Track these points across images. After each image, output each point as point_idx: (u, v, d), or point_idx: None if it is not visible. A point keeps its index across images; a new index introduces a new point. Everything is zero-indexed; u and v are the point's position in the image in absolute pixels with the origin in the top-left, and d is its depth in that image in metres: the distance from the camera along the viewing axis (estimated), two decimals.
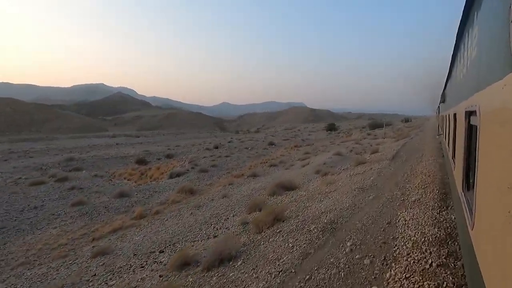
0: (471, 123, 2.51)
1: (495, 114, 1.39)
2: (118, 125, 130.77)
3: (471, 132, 2.59)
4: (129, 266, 6.38)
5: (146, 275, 5.68)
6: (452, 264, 3.48)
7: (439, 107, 18.09)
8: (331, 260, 4.29)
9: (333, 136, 57.07)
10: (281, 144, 41.98)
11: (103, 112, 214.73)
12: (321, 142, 45.35)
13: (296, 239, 5.52)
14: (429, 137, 24.63)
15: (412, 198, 6.28)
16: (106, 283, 5.77)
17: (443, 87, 9.55)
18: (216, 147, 37.10)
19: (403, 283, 3.28)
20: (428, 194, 6.43)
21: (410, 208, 5.66)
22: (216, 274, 4.97)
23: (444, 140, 9.76)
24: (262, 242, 5.93)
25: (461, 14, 2.79)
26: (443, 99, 10.51)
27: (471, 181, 2.61)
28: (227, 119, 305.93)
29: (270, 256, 5.13)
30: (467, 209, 2.33)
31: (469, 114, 2.54)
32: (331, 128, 74.25)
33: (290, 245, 5.36)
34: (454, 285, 3.09)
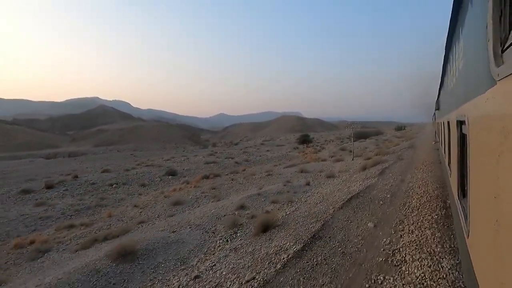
0: (462, 131, 2.50)
1: (481, 125, 1.45)
2: (77, 140, 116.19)
3: (463, 140, 2.57)
4: None
5: None
6: None
7: (434, 114, 18.46)
8: None
9: (298, 151, 42.37)
10: (198, 171, 27.25)
11: (80, 125, 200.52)
12: (267, 164, 30.65)
13: None
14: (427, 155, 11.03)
15: None
16: None
17: (437, 95, 9.75)
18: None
19: None
20: None
21: None
22: None
23: (440, 147, 9.75)
24: None
25: (448, 26, 3.00)
26: (437, 107, 10.61)
27: (465, 188, 2.52)
28: (214, 130, 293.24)
29: None
30: (463, 217, 2.37)
31: (460, 123, 2.59)
32: (304, 140, 59.72)
33: None
34: None
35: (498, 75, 1.08)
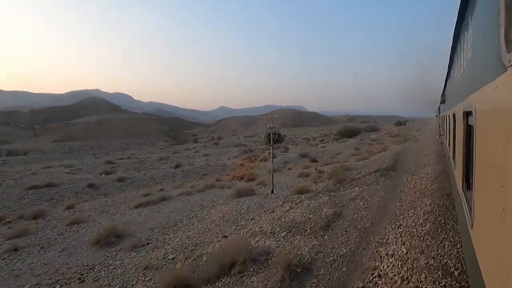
0: (469, 123, 2.46)
1: (489, 115, 1.43)
2: (39, 134, 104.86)
3: (469, 132, 2.54)
4: None
5: None
6: None
7: (439, 107, 17.70)
8: None
9: (244, 159, 30.05)
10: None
11: (65, 118, 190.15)
12: (152, 187, 18.55)
13: None
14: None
15: None
16: None
17: (443, 88, 9.61)
18: None
19: None
20: None
21: None
22: None
23: (445, 140, 9.64)
24: None
25: (456, 16, 2.93)
26: (443, 100, 10.28)
27: (470, 180, 2.52)
28: (206, 124, 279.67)
29: None
30: (467, 209, 2.37)
31: (467, 114, 2.54)
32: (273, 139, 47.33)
33: None
34: None
35: (509, 61, 1.06)
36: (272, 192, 12.42)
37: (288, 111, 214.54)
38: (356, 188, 9.36)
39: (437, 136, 18.26)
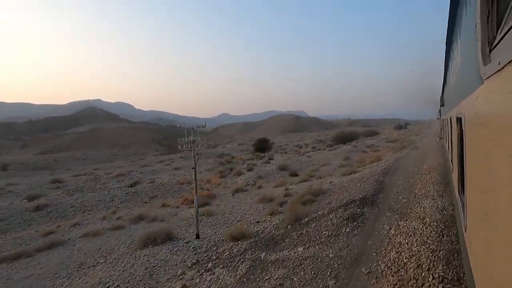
0: (462, 128, 2.51)
1: (473, 122, 1.50)
2: (27, 145, 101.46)
3: (462, 136, 2.55)
4: None
5: None
6: None
7: (440, 110, 17.74)
8: None
9: (214, 175, 26.07)
10: None
11: (61, 128, 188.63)
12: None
13: None
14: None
15: None
16: None
17: (441, 91, 9.81)
18: None
19: None
20: None
21: None
22: None
23: (445, 143, 9.84)
24: None
25: (447, 24, 3.05)
26: (442, 103, 10.61)
27: (464, 184, 2.50)
28: (205, 131, 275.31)
29: None
30: (462, 212, 2.37)
31: (460, 120, 2.62)
32: (261, 147, 43.36)
33: None
34: None
35: (485, 74, 1.10)
36: (197, 237, 8.47)
37: (287, 117, 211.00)
38: (300, 248, 5.42)
39: (437, 139, 17.15)
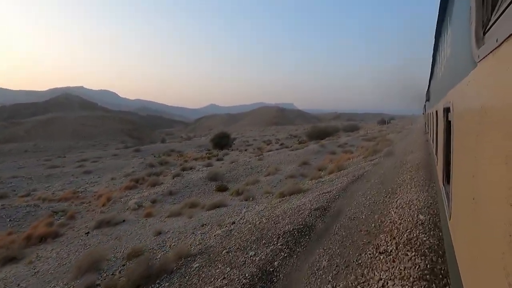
0: (448, 119, 2.56)
1: (463, 109, 1.48)
2: None
3: (449, 127, 2.60)
4: None
5: None
6: None
7: (425, 105, 17.76)
8: None
9: (129, 181, 19.35)
10: None
11: (30, 115, 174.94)
12: None
13: None
14: None
15: None
16: None
17: (428, 86, 9.71)
18: None
19: None
20: None
21: None
22: None
23: (429, 137, 9.70)
24: None
25: (437, 14, 3.02)
26: (427, 98, 10.36)
27: (450, 174, 2.56)
28: (186, 122, 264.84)
29: None
30: (446, 202, 2.44)
31: (447, 110, 2.65)
32: (221, 142, 36.75)
33: None
34: None
35: (478, 56, 1.10)
36: None
37: (271, 109, 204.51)
38: None
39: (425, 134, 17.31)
